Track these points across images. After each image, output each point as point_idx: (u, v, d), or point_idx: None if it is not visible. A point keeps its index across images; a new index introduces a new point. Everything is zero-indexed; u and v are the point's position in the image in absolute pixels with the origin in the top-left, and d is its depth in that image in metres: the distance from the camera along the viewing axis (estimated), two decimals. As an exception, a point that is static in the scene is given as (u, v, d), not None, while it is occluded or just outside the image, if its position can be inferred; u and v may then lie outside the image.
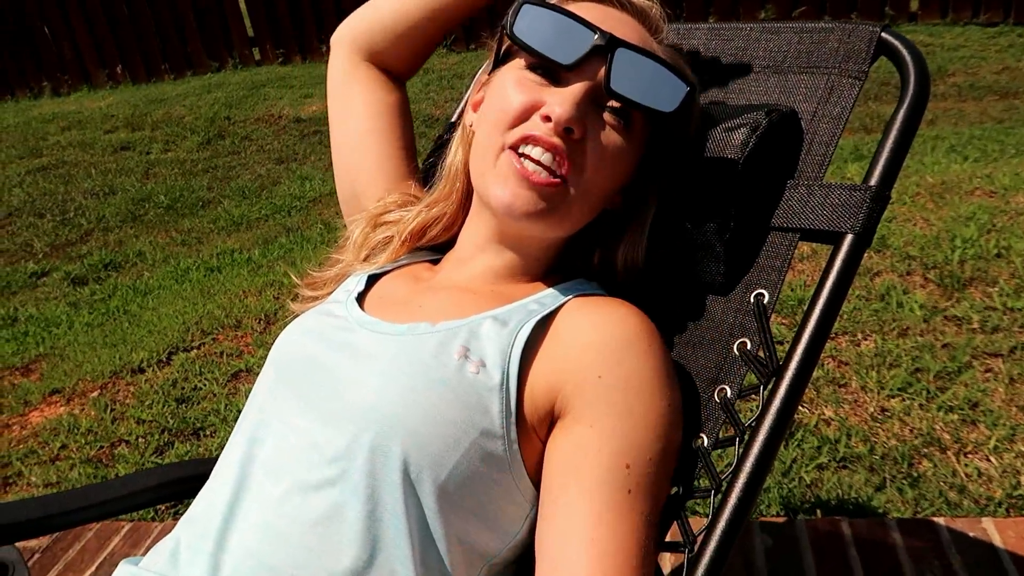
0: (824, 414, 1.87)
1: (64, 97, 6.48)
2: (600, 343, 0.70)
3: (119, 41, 6.36)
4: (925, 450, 1.71)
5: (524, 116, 0.73)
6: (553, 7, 0.73)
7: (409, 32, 0.93)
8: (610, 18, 0.74)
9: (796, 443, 1.78)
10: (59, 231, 3.94)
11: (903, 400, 1.87)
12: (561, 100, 0.71)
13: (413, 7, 0.92)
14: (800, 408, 1.89)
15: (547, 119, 0.70)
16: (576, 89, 0.71)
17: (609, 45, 0.71)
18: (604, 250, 0.81)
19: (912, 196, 2.77)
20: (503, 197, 0.72)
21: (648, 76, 0.72)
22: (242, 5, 6.17)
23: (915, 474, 1.66)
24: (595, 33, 0.71)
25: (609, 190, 0.77)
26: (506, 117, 0.73)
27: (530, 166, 0.72)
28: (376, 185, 0.92)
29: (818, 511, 1.60)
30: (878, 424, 1.81)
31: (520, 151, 0.72)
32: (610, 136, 0.73)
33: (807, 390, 1.93)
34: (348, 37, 0.96)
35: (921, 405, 1.84)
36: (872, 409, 1.85)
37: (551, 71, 0.74)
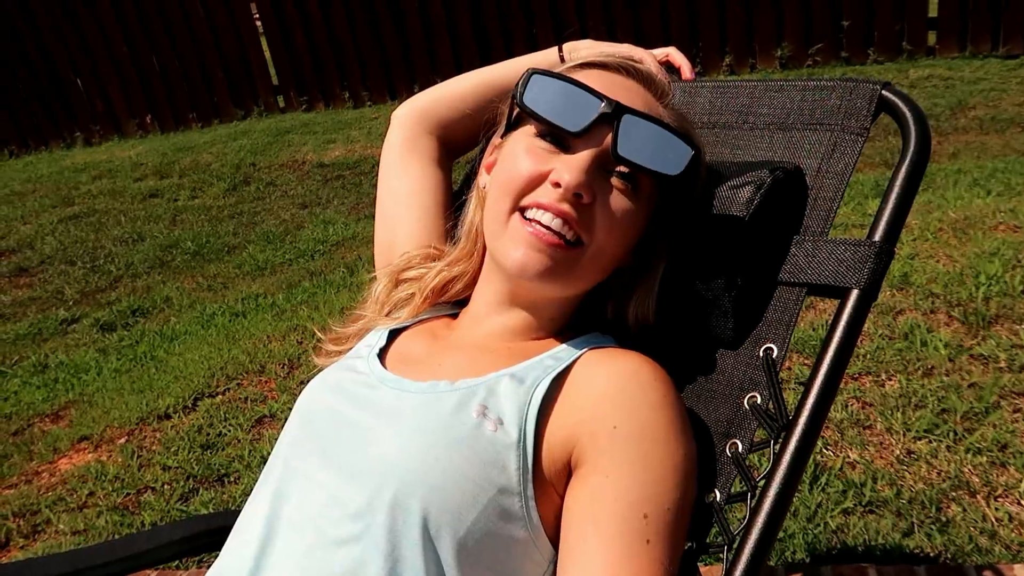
0: (849, 457, 1.85)
1: (95, 147, 6.68)
2: (614, 393, 0.71)
3: (148, 92, 6.56)
4: (953, 494, 1.68)
5: (533, 183, 0.76)
6: (561, 76, 0.76)
7: (470, 112, 1.02)
8: (616, 85, 0.77)
9: (821, 487, 1.76)
10: (89, 278, 4.03)
11: (930, 442, 1.84)
12: (569, 167, 0.73)
13: (471, 89, 1.02)
14: (824, 451, 1.87)
15: (557, 185, 0.73)
16: (584, 156, 0.74)
17: (615, 112, 0.73)
18: (616, 304, 0.83)
19: (934, 232, 2.76)
20: (516, 258, 0.75)
21: (654, 141, 0.74)
22: (267, 54, 6.35)
23: (944, 519, 1.63)
24: (601, 101, 0.74)
25: (620, 251, 0.79)
26: (516, 184, 0.76)
27: (537, 228, 0.74)
28: (412, 240, 0.97)
29: (844, 557, 1.58)
30: (904, 467, 1.79)
31: (528, 216, 0.75)
32: (618, 200, 0.76)
33: (831, 432, 1.92)
34: (417, 112, 1.04)
35: (948, 447, 1.81)
36: (898, 451, 1.83)
37: (560, 138, 0.76)
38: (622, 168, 0.75)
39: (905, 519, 1.64)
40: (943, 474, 1.74)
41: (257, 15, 6.29)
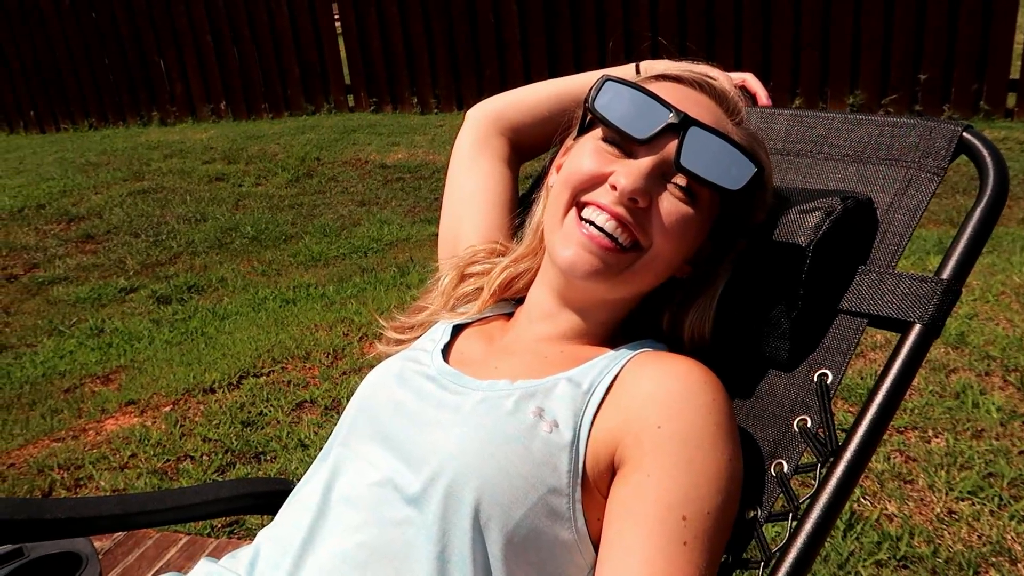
0: (887, 509, 1.81)
1: (170, 127, 6.92)
2: (661, 394, 0.72)
3: (226, 80, 6.78)
4: (993, 559, 1.64)
5: (593, 182, 0.78)
6: (633, 85, 0.78)
7: (543, 118, 1.05)
8: (687, 99, 0.79)
9: (855, 536, 1.72)
10: (151, 251, 4.17)
11: (973, 504, 1.79)
12: (628, 172, 0.75)
13: (545, 97, 1.05)
14: (862, 500, 1.84)
15: (614, 188, 0.75)
16: (646, 162, 0.75)
17: (683, 124, 0.75)
18: (672, 316, 0.84)
19: (996, 295, 2.69)
20: (567, 256, 0.77)
21: (718, 154, 0.75)
22: (342, 54, 6.52)
23: (980, 583, 1.58)
24: (671, 112, 0.75)
25: (674, 259, 0.80)
26: (576, 181, 0.79)
27: (591, 230, 0.76)
28: (477, 234, 0.99)
29: (872, 609, 1.54)
30: (944, 526, 1.74)
31: (584, 216, 0.77)
32: (675, 207, 0.76)
33: (871, 483, 1.88)
34: (491, 113, 1.07)
35: (992, 511, 1.76)
36: (939, 510, 1.79)
37: (626, 144, 0.78)
38: (681, 178, 0.76)
39: (940, 579, 1.60)
40: (984, 538, 1.69)
41: (337, 16, 6.47)
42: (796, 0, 5.16)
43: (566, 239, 0.78)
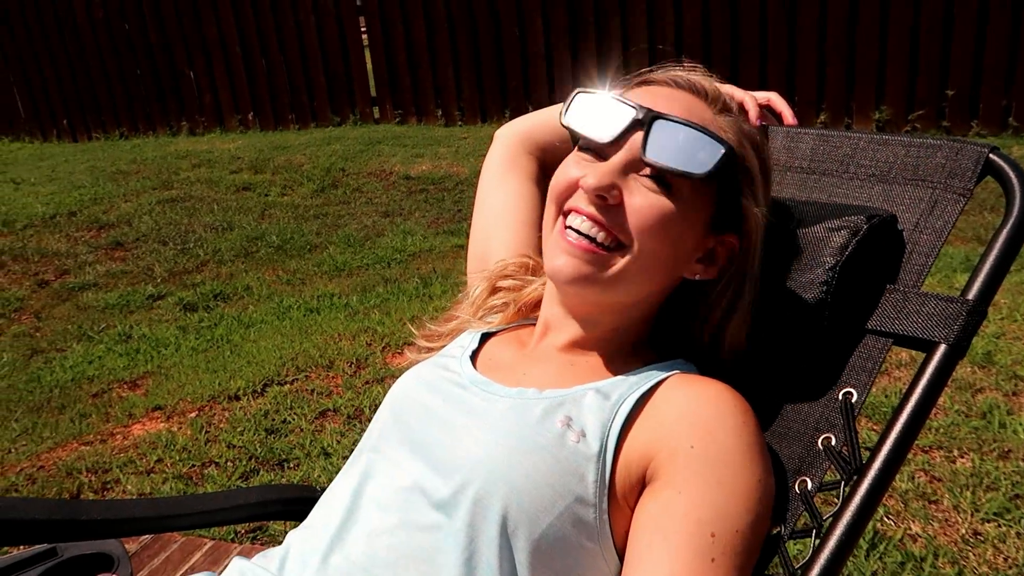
0: (911, 529, 1.79)
1: (198, 137, 7.04)
2: (694, 415, 0.73)
3: (254, 91, 6.89)
4: (1019, 582, 1.62)
5: (571, 190, 0.80)
6: (601, 93, 0.80)
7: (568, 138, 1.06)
8: (659, 96, 0.79)
9: (878, 555, 1.71)
10: (178, 259, 4.24)
11: (999, 526, 1.77)
12: (594, 171, 0.77)
13: None
14: (885, 519, 1.82)
15: (585, 190, 0.77)
16: (613, 159, 0.77)
17: (646, 118, 0.76)
18: (703, 324, 0.84)
19: (1024, 313, 2.66)
20: (554, 264, 0.80)
21: (684, 143, 0.75)
22: (368, 66, 6.60)
23: (1005, 606, 1.56)
24: (635, 110, 0.76)
25: (664, 256, 0.79)
26: (558, 191, 0.82)
27: (572, 236, 0.78)
28: (506, 250, 1.01)
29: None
30: (969, 547, 1.72)
31: (568, 224, 0.79)
32: (648, 201, 0.76)
33: (895, 502, 1.86)
34: (518, 132, 1.09)
35: (1019, 533, 1.74)
36: (964, 531, 1.77)
37: (599, 150, 0.80)
38: (649, 170, 0.77)
39: (964, 601, 1.58)
40: (1010, 560, 1.67)
41: (364, 28, 6.56)
42: (822, 14, 5.15)
43: (554, 249, 0.80)
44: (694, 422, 0.72)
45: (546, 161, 1.09)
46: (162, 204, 5.12)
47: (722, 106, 0.81)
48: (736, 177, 0.78)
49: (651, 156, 0.75)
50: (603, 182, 0.75)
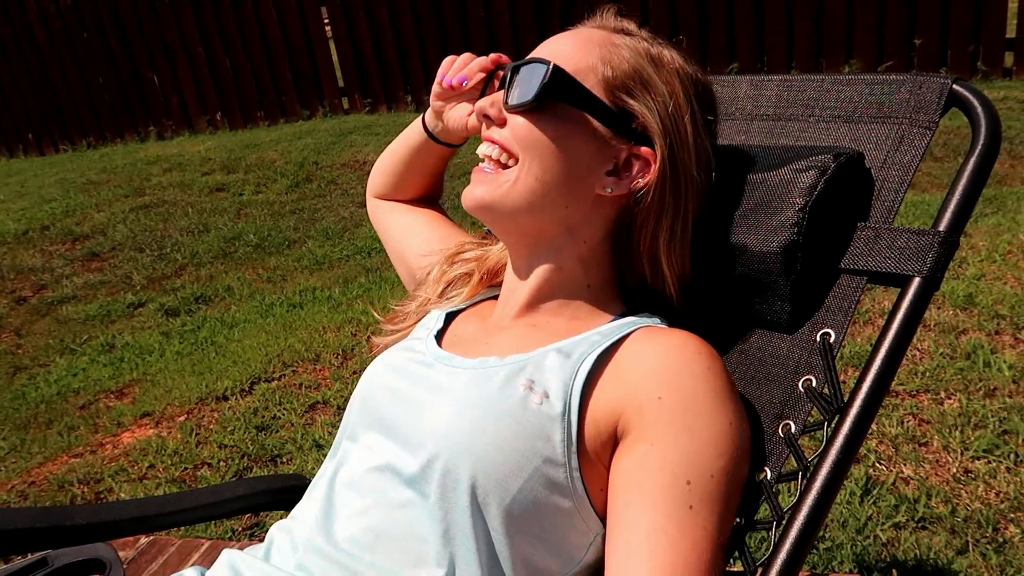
0: (903, 472, 1.81)
1: (167, 141, 6.94)
2: (660, 367, 0.73)
3: (220, 90, 6.79)
4: (1012, 515, 1.64)
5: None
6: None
7: (406, 168, 1.10)
8: (552, 42, 0.83)
9: (872, 500, 1.73)
10: (156, 265, 4.19)
11: (988, 462, 1.79)
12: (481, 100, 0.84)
13: (397, 150, 1.10)
14: (877, 464, 1.84)
15: (476, 113, 0.85)
16: (495, 94, 0.84)
17: (513, 68, 0.82)
18: (644, 252, 0.81)
19: (1003, 254, 2.68)
20: (462, 199, 0.82)
21: (524, 75, 0.80)
22: (334, 57, 6.52)
23: (1001, 539, 1.58)
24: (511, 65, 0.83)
25: (556, 162, 0.78)
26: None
27: (479, 167, 0.83)
28: (425, 258, 1.03)
29: (894, 571, 1.55)
30: (961, 486, 1.74)
31: (478, 153, 0.84)
32: (520, 121, 0.80)
33: (885, 447, 1.88)
34: (370, 189, 1.16)
35: (1008, 468, 1.76)
36: (955, 470, 1.79)
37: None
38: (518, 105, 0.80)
39: (959, 537, 1.60)
40: (1002, 495, 1.69)
41: (327, 20, 6.47)
42: (785, -27, 5.14)
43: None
44: (660, 373, 0.72)
45: (405, 196, 1.13)
46: (136, 211, 5.06)
47: (620, 29, 0.85)
48: (579, 92, 0.78)
49: (510, 101, 0.80)
50: (483, 102, 0.83)
